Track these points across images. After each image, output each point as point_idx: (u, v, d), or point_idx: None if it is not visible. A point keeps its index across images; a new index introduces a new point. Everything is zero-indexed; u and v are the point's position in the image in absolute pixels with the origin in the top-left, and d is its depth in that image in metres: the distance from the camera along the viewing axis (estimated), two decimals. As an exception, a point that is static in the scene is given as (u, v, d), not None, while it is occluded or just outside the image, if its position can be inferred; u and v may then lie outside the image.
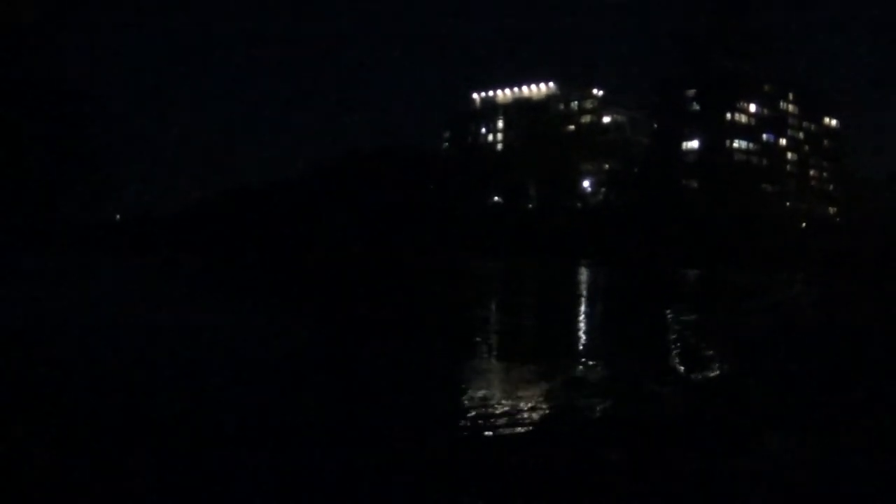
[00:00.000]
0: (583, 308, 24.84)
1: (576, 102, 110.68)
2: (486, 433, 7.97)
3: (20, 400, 9.08)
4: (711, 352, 14.54)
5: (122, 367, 11.30)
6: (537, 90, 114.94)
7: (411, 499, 6.21)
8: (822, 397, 10.02)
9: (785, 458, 7.18)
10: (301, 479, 6.50)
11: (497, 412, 8.79)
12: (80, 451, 6.99)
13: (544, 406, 9.23)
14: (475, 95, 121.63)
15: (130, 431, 7.68)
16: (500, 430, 8.04)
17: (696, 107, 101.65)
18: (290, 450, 7.24)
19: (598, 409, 9.23)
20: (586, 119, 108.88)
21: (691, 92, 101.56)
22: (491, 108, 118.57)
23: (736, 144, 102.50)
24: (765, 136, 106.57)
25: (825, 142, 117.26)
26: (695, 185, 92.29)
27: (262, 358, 12.70)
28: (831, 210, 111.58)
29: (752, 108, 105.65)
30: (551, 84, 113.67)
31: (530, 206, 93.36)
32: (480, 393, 10.01)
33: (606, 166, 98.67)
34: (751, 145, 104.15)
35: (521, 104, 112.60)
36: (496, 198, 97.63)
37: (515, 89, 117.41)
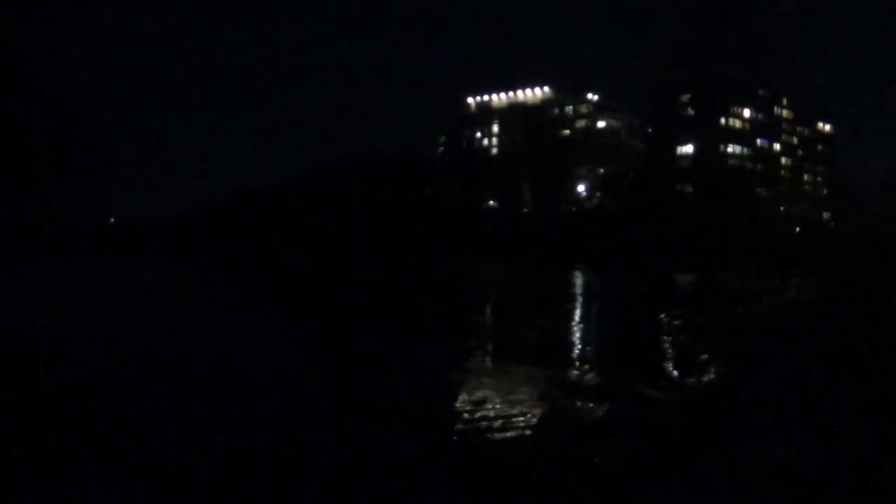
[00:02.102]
0: (578, 312, 24.82)
1: (571, 107, 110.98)
2: (482, 437, 7.92)
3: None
4: (707, 356, 14.52)
5: (117, 372, 11.22)
6: (532, 95, 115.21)
7: (408, 501, 6.17)
8: (818, 401, 10.00)
9: (782, 463, 7.14)
10: (298, 481, 6.45)
11: (492, 416, 8.75)
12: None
13: (539, 410, 9.19)
14: (470, 100, 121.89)
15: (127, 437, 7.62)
16: (496, 434, 8.00)
17: (691, 112, 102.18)
18: (284, 453, 7.18)
19: (593, 413, 9.19)
20: (581, 124, 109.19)
21: (686, 97, 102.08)
22: (486, 112, 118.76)
23: (730, 149, 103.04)
24: (759, 141, 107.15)
25: (819, 147, 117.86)
26: (689, 189, 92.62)
27: (257, 362, 12.62)
28: (825, 215, 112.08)
29: (746, 113, 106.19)
30: (546, 88, 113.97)
31: (525, 210, 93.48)
32: (476, 397, 9.96)
33: (601, 171, 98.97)
34: (745, 150, 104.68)
35: (517, 108, 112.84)
36: (491, 202, 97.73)
37: (510, 94, 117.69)
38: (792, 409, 9.47)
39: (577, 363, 13.50)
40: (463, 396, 10.01)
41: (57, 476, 6.45)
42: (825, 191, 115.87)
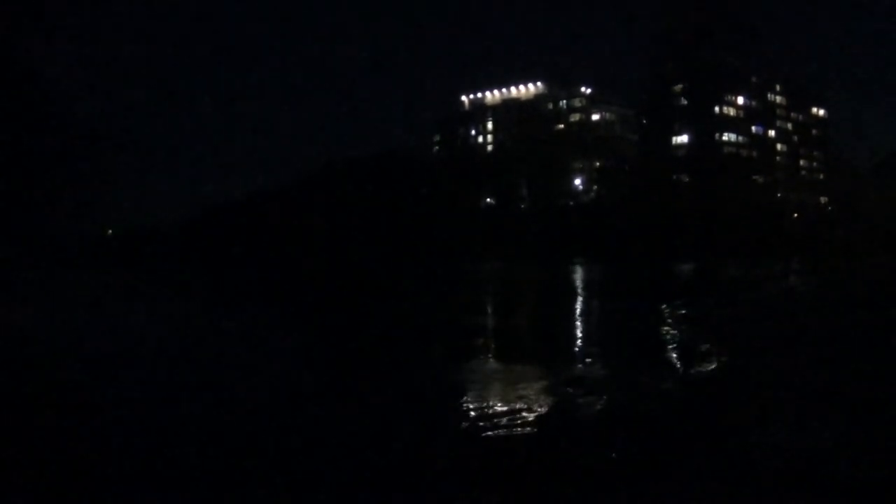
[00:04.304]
0: (579, 306, 24.82)
1: (564, 101, 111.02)
2: (486, 433, 7.91)
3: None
4: (708, 346, 14.51)
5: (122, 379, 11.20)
6: (526, 90, 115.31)
7: (412, 499, 6.15)
8: (822, 390, 9.99)
9: (784, 453, 7.13)
10: (303, 480, 6.44)
11: (496, 411, 8.74)
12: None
13: (543, 404, 9.18)
14: (464, 97, 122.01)
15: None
16: (500, 429, 7.99)
17: (685, 101, 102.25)
18: (291, 452, 7.17)
19: (596, 406, 9.18)
20: (575, 117, 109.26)
21: (679, 87, 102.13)
22: (480, 109, 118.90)
23: (725, 137, 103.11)
24: (754, 128, 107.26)
25: (813, 132, 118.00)
26: (686, 179, 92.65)
27: (260, 363, 12.61)
28: (822, 199, 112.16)
29: (740, 100, 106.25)
30: (539, 84, 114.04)
31: (523, 206, 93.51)
32: (479, 393, 9.95)
33: (597, 164, 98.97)
34: (740, 138, 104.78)
35: (510, 105, 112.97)
36: (488, 199, 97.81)
37: (504, 90, 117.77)
38: (795, 399, 9.46)
39: (580, 356, 13.49)
40: (464, 392, 10.00)
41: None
42: (821, 175, 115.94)
